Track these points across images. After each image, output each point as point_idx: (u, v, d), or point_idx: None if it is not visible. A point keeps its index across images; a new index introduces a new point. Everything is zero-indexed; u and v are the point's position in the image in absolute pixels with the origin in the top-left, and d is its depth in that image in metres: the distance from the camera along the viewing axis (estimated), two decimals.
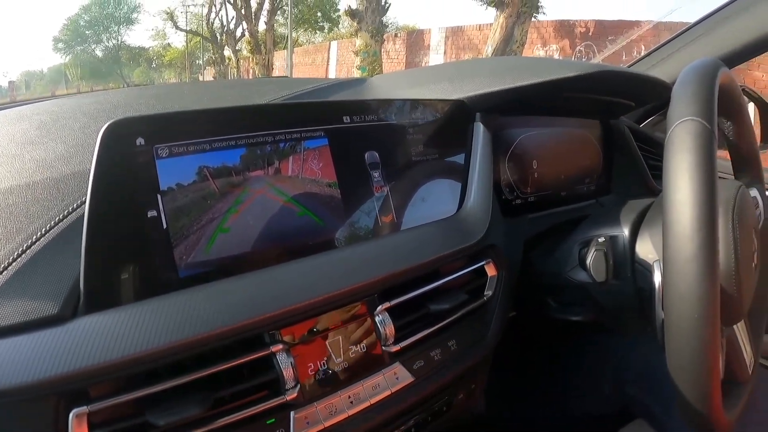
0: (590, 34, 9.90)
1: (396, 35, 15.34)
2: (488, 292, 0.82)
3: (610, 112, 1.20)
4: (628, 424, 1.07)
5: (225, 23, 28.85)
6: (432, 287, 0.74)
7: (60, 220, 0.56)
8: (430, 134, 0.84)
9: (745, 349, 0.80)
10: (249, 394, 0.58)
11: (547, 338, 1.30)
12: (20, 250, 0.53)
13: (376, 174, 0.73)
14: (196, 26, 34.30)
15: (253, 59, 21.45)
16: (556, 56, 10.52)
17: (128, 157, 0.55)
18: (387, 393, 0.68)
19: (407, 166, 0.79)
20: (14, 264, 0.52)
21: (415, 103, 0.83)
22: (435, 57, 13.37)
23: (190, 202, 0.58)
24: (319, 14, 29.42)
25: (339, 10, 25.79)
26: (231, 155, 0.60)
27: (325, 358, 0.64)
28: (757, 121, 1.43)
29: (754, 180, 0.92)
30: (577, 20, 10.24)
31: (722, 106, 0.80)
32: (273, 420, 0.59)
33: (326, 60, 18.80)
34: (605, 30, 9.62)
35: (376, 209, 0.72)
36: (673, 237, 0.58)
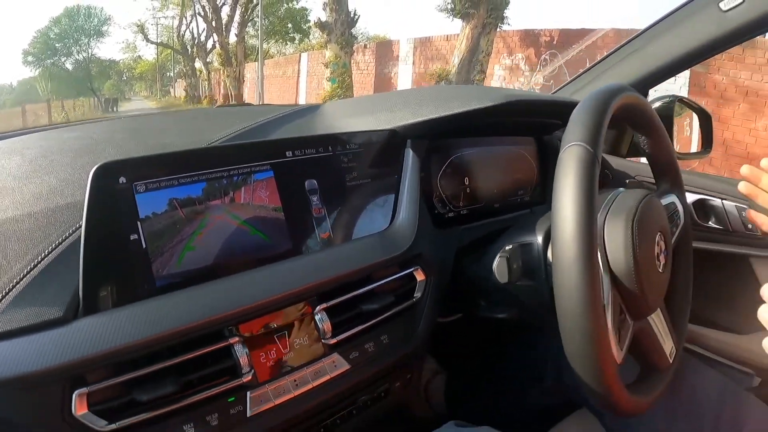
0: (555, 42, 9.87)
1: (366, 46, 15.17)
2: (417, 294, 0.92)
3: (541, 130, 1.28)
4: (572, 413, 1.12)
5: (196, 35, 28.15)
6: (363, 291, 0.84)
7: (59, 244, 0.66)
8: (366, 160, 0.93)
9: (664, 339, 0.85)
10: (214, 377, 0.68)
11: (497, 337, 1.36)
12: (29, 268, 0.63)
13: (314, 198, 0.83)
14: (166, 39, 33.46)
15: (224, 71, 21.01)
16: (521, 65, 10.52)
17: (113, 192, 0.65)
18: (327, 377, 0.78)
19: (343, 190, 0.89)
20: (25, 278, 0.62)
21: (350, 135, 0.93)
22: (404, 68, 13.24)
23: (164, 227, 0.68)
24: (289, 25, 28.65)
25: (309, 21, 25.38)
26: (195, 188, 0.71)
27: (275, 349, 0.75)
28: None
29: (674, 187, 0.99)
30: (542, 29, 10.24)
31: (635, 123, 0.90)
32: (233, 398, 0.70)
33: (297, 72, 18.42)
34: (569, 38, 9.66)
35: (315, 228, 0.83)
36: (558, 245, 0.65)
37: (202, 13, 23.41)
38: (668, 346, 0.86)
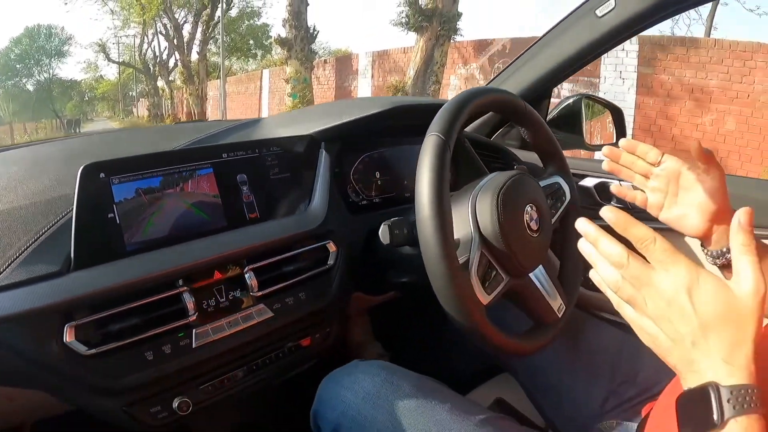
0: (507, 51, 10.02)
1: (326, 61, 15.09)
2: (330, 262, 1.11)
3: None
4: (495, 377, 1.29)
5: (157, 54, 27.40)
6: (284, 256, 1.03)
7: (55, 222, 0.85)
8: (287, 159, 1.12)
9: (551, 297, 0.97)
10: (168, 317, 0.87)
11: (430, 316, 1.51)
12: (34, 239, 0.82)
13: (245, 188, 1.03)
14: (128, 58, 32.25)
15: (186, 90, 20.74)
16: (476, 74, 10.65)
17: (95, 184, 0.86)
18: (254, 321, 0.97)
19: (268, 182, 1.08)
20: (31, 246, 0.81)
21: (274, 140, 1.13)
22: (363, 81, 13.25)
23: (132, 208, 0.89)
24: (251, 42, 28.15)
25: (271, 37, 24.95)
26: (155, 181, 0.92)
27: (214, 298, 0.94)
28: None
29: (559, 170, 1.10)
30: (494, 39, 10.39)
31: (514, 119, 1.04)
32: (182, 333, 0.90)
33: (259, 88, 18.26)
34: (521, 46, 9.68)
35: (245, 210, 1.02)
36: (418, 208, 0.79)
37: (164, 32, 23.01)
38: (556, 303, 0.98)
